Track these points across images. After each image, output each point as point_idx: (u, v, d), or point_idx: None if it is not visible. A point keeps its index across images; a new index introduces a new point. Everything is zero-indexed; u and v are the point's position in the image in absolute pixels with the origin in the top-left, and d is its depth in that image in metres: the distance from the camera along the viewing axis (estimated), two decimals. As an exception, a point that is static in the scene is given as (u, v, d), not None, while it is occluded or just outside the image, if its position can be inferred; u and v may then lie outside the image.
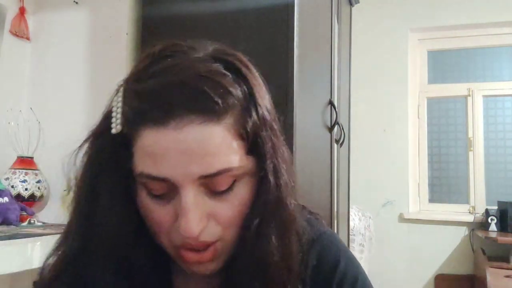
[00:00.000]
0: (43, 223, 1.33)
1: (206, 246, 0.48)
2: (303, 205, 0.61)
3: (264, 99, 0.51)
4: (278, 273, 0.50)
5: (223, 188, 0.47)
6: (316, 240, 0.57)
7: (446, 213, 3.16)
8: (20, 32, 1.46)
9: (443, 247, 3.08)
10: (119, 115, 0.47)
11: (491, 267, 2.56)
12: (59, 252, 0.54)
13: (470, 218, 3.02)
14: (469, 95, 3.22)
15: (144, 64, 0.50)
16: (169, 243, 0.50)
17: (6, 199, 1.24)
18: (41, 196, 1.38)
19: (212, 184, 0.47)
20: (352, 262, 0.58)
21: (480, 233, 2.81)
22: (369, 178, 3.14)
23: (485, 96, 3.22)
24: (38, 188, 1.36)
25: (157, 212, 0.48)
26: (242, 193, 0.49)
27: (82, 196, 0.51)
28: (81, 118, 1.44)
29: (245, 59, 0.52)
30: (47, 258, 0.54)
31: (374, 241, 2.85)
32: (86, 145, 0.53)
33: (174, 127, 0.44)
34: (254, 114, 0.48)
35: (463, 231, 3.06)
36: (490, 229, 2.86)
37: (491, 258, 2.70)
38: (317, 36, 1.45)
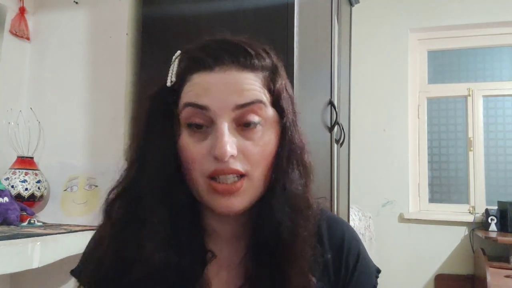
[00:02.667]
0: (43, 223, 1.33)
1: (235, 173, 0.56)
2: None
3: (285, 78, 0.63)
4: (301, 208, 0.60)
5: (253, 120, 0.57)
6: (321, 217, 0.66)
7: (446, 213, 3.16)
8: (20, 32, 1.47)
9: (443, 247, 3.08)
10: (173, 71, 0.60)
11: (491, 267, 2.56)
12: (122, 181, 0.64)
13: (470, 218, 3.02)
14: (469, 95, 3.22)
15: (195, 42, 0.62)
16: (201, 177, 0.57)
17: (6, 199, 1.24)
18: (41, 196, 1.38)
19: (243, 117, 0.56)
20: (352, 231, 0.69)
21: (480, 233, 2.81)
22: (369, 178, 3.14)
23: (485, 96, 3.22)
24: (38, 188, 1.36)
25: (195, 148, 0.57)
26: (265, 135, 0.58)
27: (140, 137, 0.62)
28: (81, 118, 1.44)
29: (271, 49, 0.64)
30: (112, 189, 0.64)
31: (374, 241, 2.85)
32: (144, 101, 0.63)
33: (218, 71, 0.57)
34: (278, 80, 0.61)
35: (463, 231, 3.06)
36: (490, 229, 2.86)
37: (491, 258, 2.70)
38: (317, 36, 1.45)
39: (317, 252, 0.61)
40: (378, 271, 0.70)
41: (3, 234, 1.05)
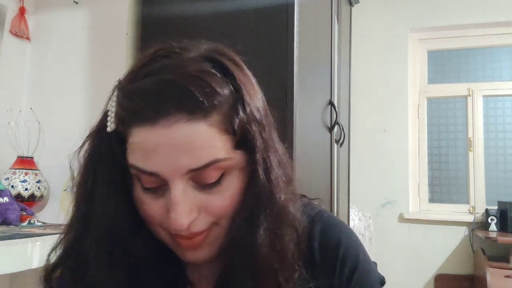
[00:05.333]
0: (43, 223, 1.33)
1: (197, 235, 0.50)
2: (302, 195, 0.63)
3: (254, 97, 0.53)
4: (268, 265, 0.51)
5: (212, 180, 0.49)
6: (316, 219, 0.59)
7: (446, 213, 3.16)
8: (20, 32, 1.46)
9: (443, 247, 3.08)
10: (113, 114, 0.50)
11: (491, 267, 2.56)
12: (63, 242, 0.56)
13: (470, 218, 3.02)
14: (469, 95, 3.22)
15: (138, 65, 0.52)
16: (163, 232, 0.52)
17: (6, 199, 1.24)
18: (41, 196, 1.38)
19: (201, 178, 0.49)
20: (352, 238, 0.60)
21: (480, 233, 2.81)
22: (369, 178, 3.14)
23: (485, 96, 3.22)
24: (38, 188, 1.36)
25: (150, 205, 0.51)
26: (231, 185, 0.50)
27: (82, 188, 0.54)
28: (81, 118, 1.44)
29: (237, 58, 0.54)
30: (52, 250, 0.57)
31: (374, 241, 2.85)
32: (87, 142, 0.56)
33: (163, 125, 0.46)
34: (241, 111, 0.50)
35: (463, 231, 3.06)
36: (490, 229, 2.86)
37: (491, 258, 2.70)
38: (317, 36, 1.45)
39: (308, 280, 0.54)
40: (383, 282, 0.62)
41: (3, 234, 1.05)
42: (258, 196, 0.51)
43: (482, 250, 2.76)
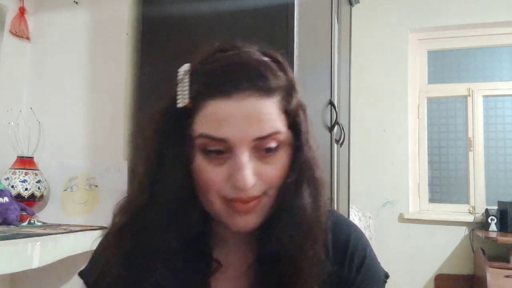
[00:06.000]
0: (43, 223, 1.33)
1: (253, 199, 0.57)
2: None
3: (300, 91, 0.63)
4: (310, 225, 0.60)
5: (272, 146, 0.57)
6: (328, 215, 0.65)
7: (446, 213, 3.16)
8: (20, 32, 1.47)
9: (443, 247, 3.07)
10: (186, 92, 0.57)
11: (491, 267, 2.56)
12: (129, 205, 0.63)
13: (470, 218, 3.02)
14: (469, 95, 3.22)
15: (207, 53, 0.60)
16: (218, 199, 0.58)
17: (6, 199, 1.24)
18: (41, 196, 1.38)
19: (261, 147, 0.57)
20: (361, 234, 0.69)
21: (480, 233, 2.81)
22: (369, 178, 3.14)
23: (485, 96, 3.22)
24: (38, 188, 1.36)
25: (212, 173, 0.57)
26: (282, 158, 0.59)
27: (150, 160, 0.61)
28: (81, 118, 1.44)
29: (283, 59, 0.63)
30: (115, 214, 0.64)
31: (374, 241, 2.85)
32: (151, 122, 0.62)
33: (236, 99, 0.55)
34: (294, 98, 0.60)
35: (463, 231, 3.06)
36: (490, 229, 2.86)
37: (491, 258, 2.69)
38: (317, 36, 1.45)
39: (325, 265, 0.61)
40: (387, 276, 0.69)
41: (3, 234, 1.05)
42: (302, 169, 0.61)
43: (482, 250, 2.76)
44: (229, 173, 0.56)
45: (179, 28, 1.26)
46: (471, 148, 3.19)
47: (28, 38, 1.49)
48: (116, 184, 1.35)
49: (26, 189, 1.33)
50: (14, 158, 1.37)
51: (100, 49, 1.45)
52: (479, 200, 3.14)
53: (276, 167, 0.58)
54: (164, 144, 0.59)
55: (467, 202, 3.18)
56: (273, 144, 0.57)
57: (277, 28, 1.13)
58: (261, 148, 0.57)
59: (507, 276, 2.52)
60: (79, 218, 1.35)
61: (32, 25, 1.51)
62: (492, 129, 3.20)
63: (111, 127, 1.40)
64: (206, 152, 0.57)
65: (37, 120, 1.43)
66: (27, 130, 1.40)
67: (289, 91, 0.59)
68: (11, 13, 1.44)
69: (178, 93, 0.58)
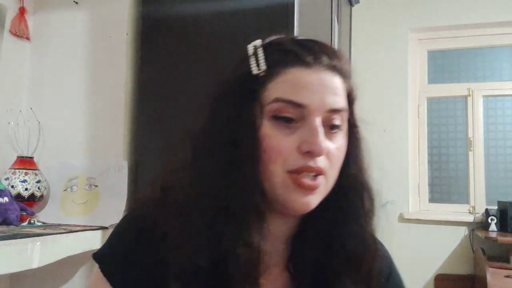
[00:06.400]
0: (43, 223, 1.33)
1: (319, 172, 0.57)
2: None
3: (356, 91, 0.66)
4: (367, 239, 0.62)
5: (338, 124, 0.59)
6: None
7: (446, 213, 3.16)
8: (20, 32, 1.46)
9: (443, 247, 3.07)
10: (262, 59, 0.58)
11: (491, 267, 2.56)
12: (183, 169, 0.60)
13: (470, 218, 3.02)
14: (469, 95, 3.22)
15: (273, 37, 0.64)
16: (282, 171, 0.56)
17: (6, 199, 1.24)
18: (41, 196, 1.38)
19: (329, 121, 0.58)
20: (386, 250, 0.74)
21: (480, 233, 2.81)
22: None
23: (485, 96, 3.22)
24: (38, 188, 1.36)
25: (281, 141, 0.56)
26: (342, 138, 0.61)
27: (215, 122, 0.60)
28: (81, 118, 1.44)
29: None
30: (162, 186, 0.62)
31: (374, 241, 2.85)
32: (219, 90, 0.62)
33: (316, 69, 0.57)
34: (353, 91, 0.63)
35: (463, 231, 3.06)
36: (490, 229, 2.86)
37: (491, 258, 2.69)
38: (317, 36, 1.45)
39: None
40: None
41: (3, 234, 1.05)
42: (357, 153, 0.65)
43: (482, 250, 2.76)
44: (299, 141, 0.56)
45: (179, 28, 1.26)
46: (471, 148, 3.19)
47: (28, 38, 1.49)
48: (116, 184, 1.35)
49: (26, 189, 1.33)
50: (14, 158, 1.37)
51: (100, 49, 1.45)
52: (479, 200, 3.14)
53: (338, 147, 0.59)
54: (231, 108, 0.58)
55: (467, 202, 3.18)
56: (338, 122, 0.59)
57: (277, 28, 1.12)
58: (328, 124, 0.58)
59: (507, 276, 2.52)
60: (79, 218, 1.35)
61: (32, 25, 1.51)
62: (492, 129, 3.20)
63: (111, 127, 1.40)
64: (277, 119, 0.56)
65: (37, 120, 1.43)
66: (27, 130, 1.40)
67: (351, 81, 0.62)
68: (11, 13, 1.44)
69: (251, 62, 0.59)
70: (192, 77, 1.24)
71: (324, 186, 0.58)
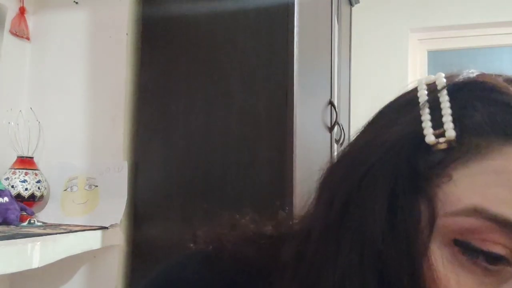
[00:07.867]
0: (43, 223, 1.33)
1: None
2: None
3: None
4: None
5: None
6: None
7: (446, 213, 3.16)
8: (20, 32, 1.46)
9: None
10: (447, 119, 0.33)
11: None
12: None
13: (470, 218, 3.02)
14: (469, 95, 3.22)
15: (463, 77, 0.39)
16: None
17: (6, 199, 1.24)
18: (41, 196, 1.38)
19: None
20: None
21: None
22: (369, 178, 3.14)
23: (485, 96, 3.22)
24: (38, 188, 1.36)
25: None
26: None
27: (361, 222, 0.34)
28: (81, 118, 1.44)
29: None
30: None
31: (374, 241, 2.85)
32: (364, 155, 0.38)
33: None
34: None
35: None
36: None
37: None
38: (317, 36, 1.45)
39: None
40: None
41: (3, 234, 1.05)
42: None
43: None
44: None
45: (179, 28, 1.26)
46: (471, 148, 3.19)
47: (28, 38, 1.49)
48: (116, 184, 1.35)
49: (26, 189, 1.33)
50: (14, 158, 1.37)
51: (100, 49, 1.45)
52: (479, 200, 3.14)
53: None
54: (369, 209, 0.33)
55: (467, 202, 3.18)
56: None
57: (277, 28, 1.13)
58: None
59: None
60: (79, 218, 1.35)
61: (32, 25, 1.51)
62: (492, 129, 3.20)
63: (111, 127, 1.40)
64: (466, 249, 0.29)
65: (37, 120, 1.43)
66: (27, 130, 1.40)
67: None
68: (11, 13, 1.44)
69: (423, 120, 0.34)
70: (192, 77, 1.24)
71: None
